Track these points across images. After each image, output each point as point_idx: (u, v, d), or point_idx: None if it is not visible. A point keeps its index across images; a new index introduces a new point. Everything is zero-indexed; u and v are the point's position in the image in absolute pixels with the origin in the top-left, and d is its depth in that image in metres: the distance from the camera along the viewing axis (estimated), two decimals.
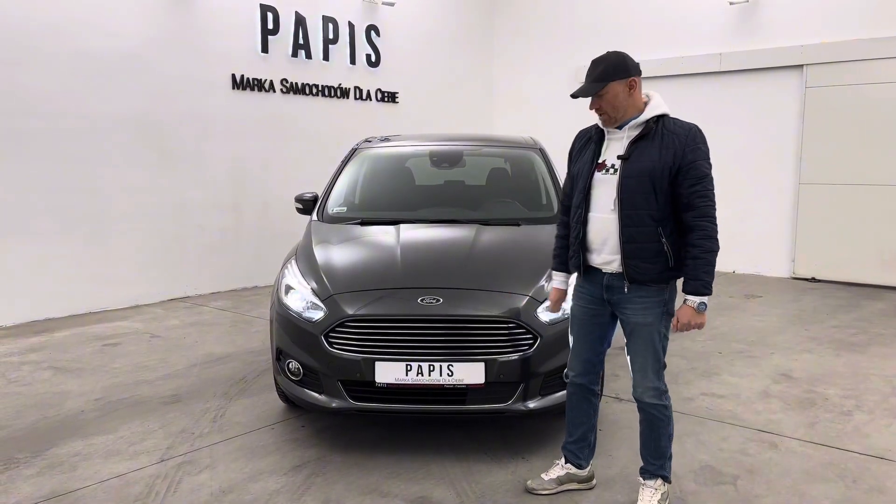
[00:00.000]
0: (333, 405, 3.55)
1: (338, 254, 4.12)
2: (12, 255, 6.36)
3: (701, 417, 4.19)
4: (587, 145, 3.06)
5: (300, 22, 8.49)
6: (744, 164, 8.95)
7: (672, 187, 2.84)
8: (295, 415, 4.21)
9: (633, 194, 2.83)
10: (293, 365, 3.69)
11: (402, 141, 5.59)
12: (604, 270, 2.97)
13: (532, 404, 3.55)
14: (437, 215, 4.65)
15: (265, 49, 8.19)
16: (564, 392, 3.62)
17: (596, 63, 2.89)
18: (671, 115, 2.93)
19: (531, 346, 3.50)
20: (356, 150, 5.37)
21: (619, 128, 2.92)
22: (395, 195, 5.13)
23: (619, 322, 3.09)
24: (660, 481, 3.08)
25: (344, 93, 9.10)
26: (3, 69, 6.19)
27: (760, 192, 8.98)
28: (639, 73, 2.90)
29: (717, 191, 2.89)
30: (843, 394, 4.63)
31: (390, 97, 9.72)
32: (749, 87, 9.06)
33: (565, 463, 3.30)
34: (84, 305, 6.86)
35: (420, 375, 3.43)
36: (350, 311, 3.53)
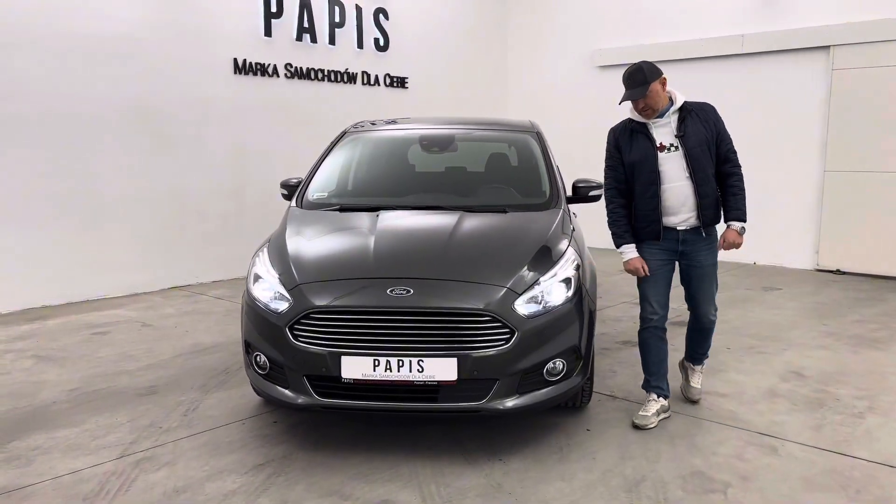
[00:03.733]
0: (299, 401, 3.36)
1: (310, 242, 3.88)
2: (7, 241, 6.29)
3: (698, 418, 3.92)
4: (633, 137, 3.77)
5: (305, 5, 8.30)
6: (766, 150, 8.52)
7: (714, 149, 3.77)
8: (269, 409, 4.03)
9: (700, 161, 3.69)
10: (261, 358, 3.50)
11: (393, 125, 5.33)
12: (679, 228, 3.75)
13: (509, 403, 3.31)
14: (420, 202, 4.39)
15: (268, 33, 8.01)
16: (545, 391, 3.42)
17: (634, 73, 3.61)
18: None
19: (508, 340, 3.27)
20: (345, 133, 5.14)
21: (660, 116, 3.69)
22: (381, 181, 4.89)
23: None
24: (702, 366, 4.19)
25: (351, 78, 8.89)
26: None
27: (783, 179, 8.56)
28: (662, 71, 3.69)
29: None
30: (857, 394, 4.32)
31: (399, 82, 9.48)
32: (772, 70, 8.63)
33: (657, 398, 3.89)
34: (81, 293, 6.78)
35: (388, 371, 3.22)
36: (315, 302, 3.33)
